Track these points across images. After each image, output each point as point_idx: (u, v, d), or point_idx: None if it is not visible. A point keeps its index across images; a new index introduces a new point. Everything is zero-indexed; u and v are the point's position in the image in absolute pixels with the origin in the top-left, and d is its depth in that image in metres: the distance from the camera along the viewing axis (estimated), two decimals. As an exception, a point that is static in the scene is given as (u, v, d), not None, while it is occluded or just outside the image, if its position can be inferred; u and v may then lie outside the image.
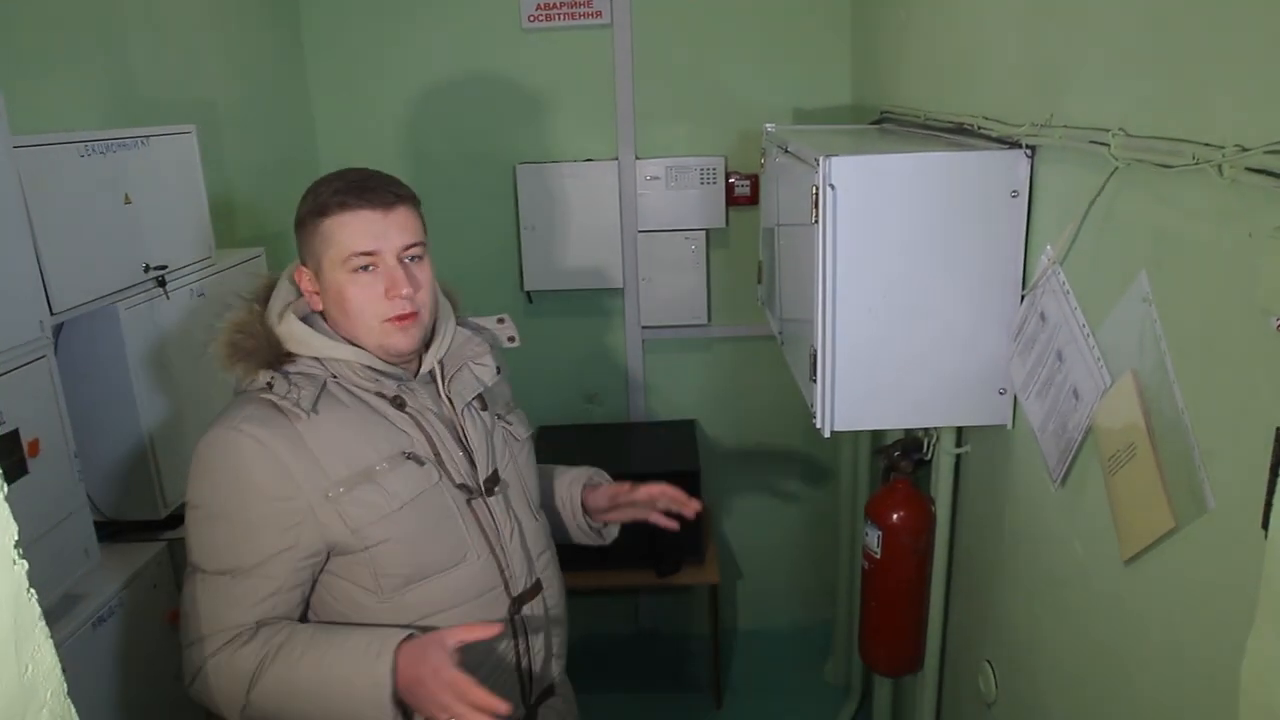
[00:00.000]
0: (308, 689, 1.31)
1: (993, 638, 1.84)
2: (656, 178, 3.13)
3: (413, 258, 1.41)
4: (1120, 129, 1.19)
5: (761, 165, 2.43)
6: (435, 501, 1.42)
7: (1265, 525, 0.83)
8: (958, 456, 1.95)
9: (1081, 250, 1.39)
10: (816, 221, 1.57)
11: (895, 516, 2.04)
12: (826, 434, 1.68)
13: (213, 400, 1.94)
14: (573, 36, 3.07)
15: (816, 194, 1.56)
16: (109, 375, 1.71)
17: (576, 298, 3.28)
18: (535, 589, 1.52)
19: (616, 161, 3.13)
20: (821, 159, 1.54)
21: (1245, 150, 0.92)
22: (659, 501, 1.66)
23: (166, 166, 1.89)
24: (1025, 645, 1.68)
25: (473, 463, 1.47)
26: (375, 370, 1.42)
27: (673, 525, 1.67)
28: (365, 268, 1.37)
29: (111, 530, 1.80)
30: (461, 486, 1.45)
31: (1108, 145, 1.21)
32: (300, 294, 1.45)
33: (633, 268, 3.21)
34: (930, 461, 2.04)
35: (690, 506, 1.66)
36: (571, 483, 1.74)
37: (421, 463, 1.41)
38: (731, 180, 3.13)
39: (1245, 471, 0.97)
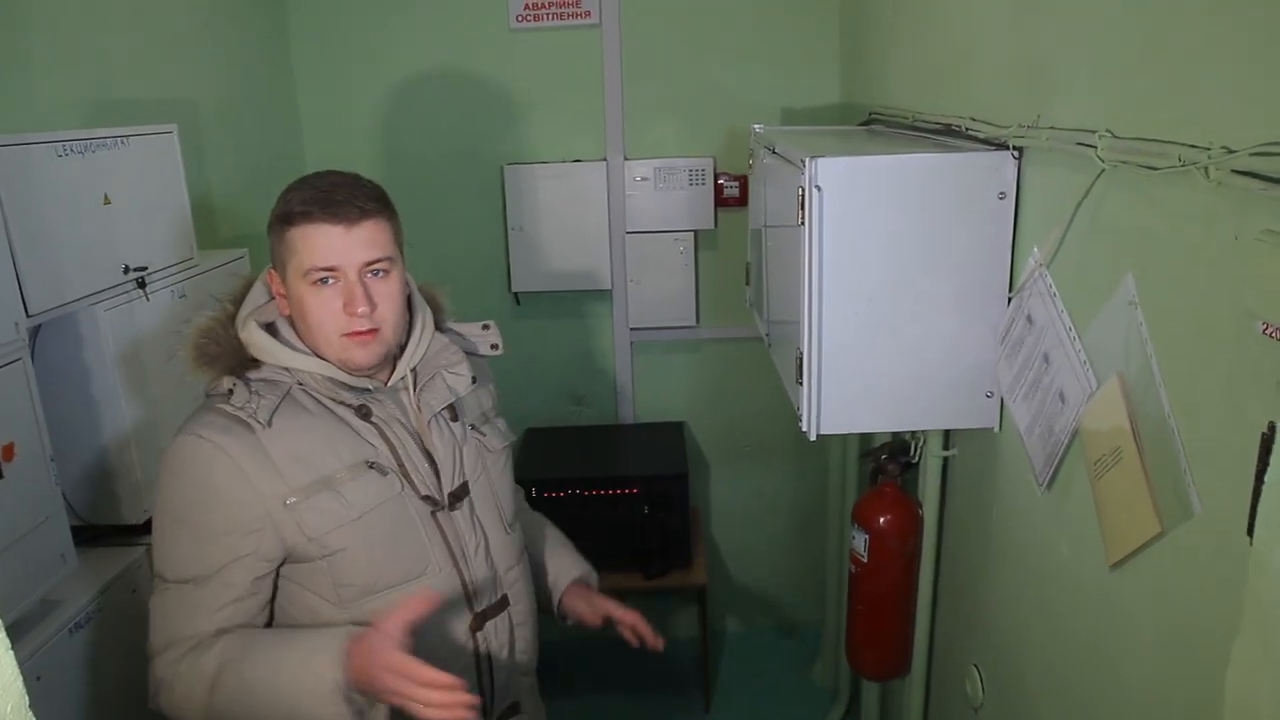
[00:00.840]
0: (263, 693, 1.29)
1: (980, 642, 1.83)
2: (645, 179, 3.12)
3: (377, 272, 1.37)
4: (1107, 130, 1.18)
5: (750, 166, 2.42)
6: (397, 512, 1.40)
7: (1251, 532, 0.82)
8: (945, 459, 1.94)
9: (1068, 253, 1.38)
10: (803, 223, 1.56)
11: (882, 520, 2.03)
12: (813, 437, 1.67)
13: (194, 403, 1.92)
14: (561, 36, 3.06)
15: (803, 195, 1.54)
16: (87, 378, 1.69)
17: (564, 299, 3.26)
18: (500, 604, 1.50)
19: (605, 162, 3.12)
20: (808, 160, 1.53)
21: (1231, 152, 0.91)
22: (625, 626, 1.68)
23: (147, 166, 1.86)
24: (1012, 649, 1.67)
25: (438, 474, 1.45)
26: (335, 382, 1.40)
27: (634, 641, 1.69)
28: (325, 280, 1.34)
29: (91, 535, 1.78)
30: (426, 498, 1.43)
31: (1094, 147, 1.20)
32: (273, 297, 1.43)
33: (621, 269, 3.20)
34: (917, 464, 2.03)
35: (656, 644, 1.68)
36: (564, 571, 1.73)
37: (384, 473, 1.39)
38: (720, 181, 3.12)
39: (1232, 476, 0.96)
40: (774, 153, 1.92)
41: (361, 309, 1.34)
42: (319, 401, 1.39)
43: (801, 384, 1.65)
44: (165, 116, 2.02)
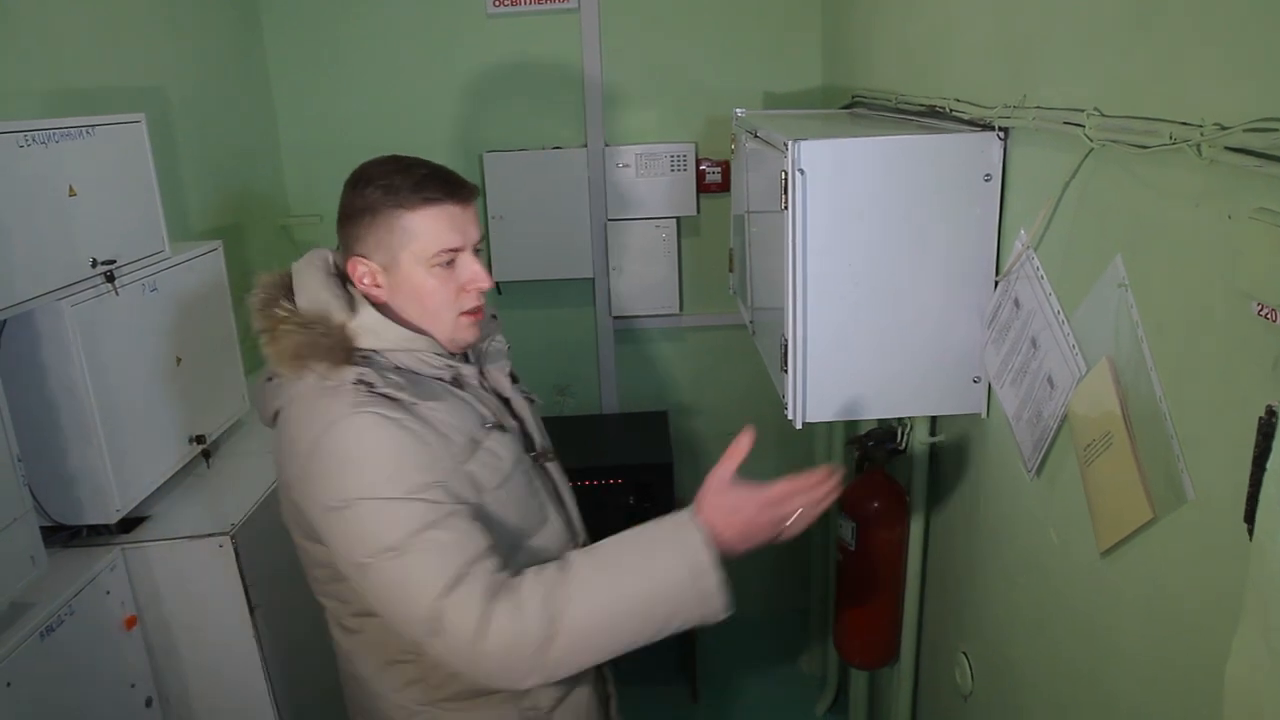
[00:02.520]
0: (629, 607, 1.26)
1: (969, 629, 1.82)
2: (626, 165, 3.08)
3: (479, 250, 1.42)
4: (1095, 109, 1.16)
5: (732, 151, 2.39)
6: (525, 465, 1.46)
7: (1248, 519, 0.79)
8: (932, 446, 1.92)
9: (1056, 234, 1.36)
10: (786, 208, 1.53)
11: (869, 507, 2.01)
12: (798, 425, 1.65)
13: (168, 398, 1.88)
14: (539, 21, 3.02)
15: (786, 179, 1.52)
16: (55, 375, 1.64)
17: (546, 288, 3.23)
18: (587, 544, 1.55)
19: (585, 149, 3.08)
20: (791, 143, 1.50)
21: (1224, 129, 0.89)
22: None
23: (114, 157, 1.81)
24: (1001, 637, 1.65)
25: (524, 432, 1.52)
26: (440, 355, 1.42)
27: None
28: (449, 262, 1.37)
29: (65, 535, 1.74)
30: (530, 453, 1.49)
31: (1082, 126, 1.17)
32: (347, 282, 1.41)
33: (603, 257, 3.16)
34: (904, 451, 2.01)
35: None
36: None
37: (505, 430, 1.44)
38: (703, 167, 3.09)
39: (1225, 461, 0.95)
40: (756, 137, 1.89)
41: (487, 285, 1.40)
42: (421, 376, 1.39)
43: (786, 371, 1.62)
44: (133, 105, 1.97)
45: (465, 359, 1.49)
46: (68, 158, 1.66)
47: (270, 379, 1.46)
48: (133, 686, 1.74)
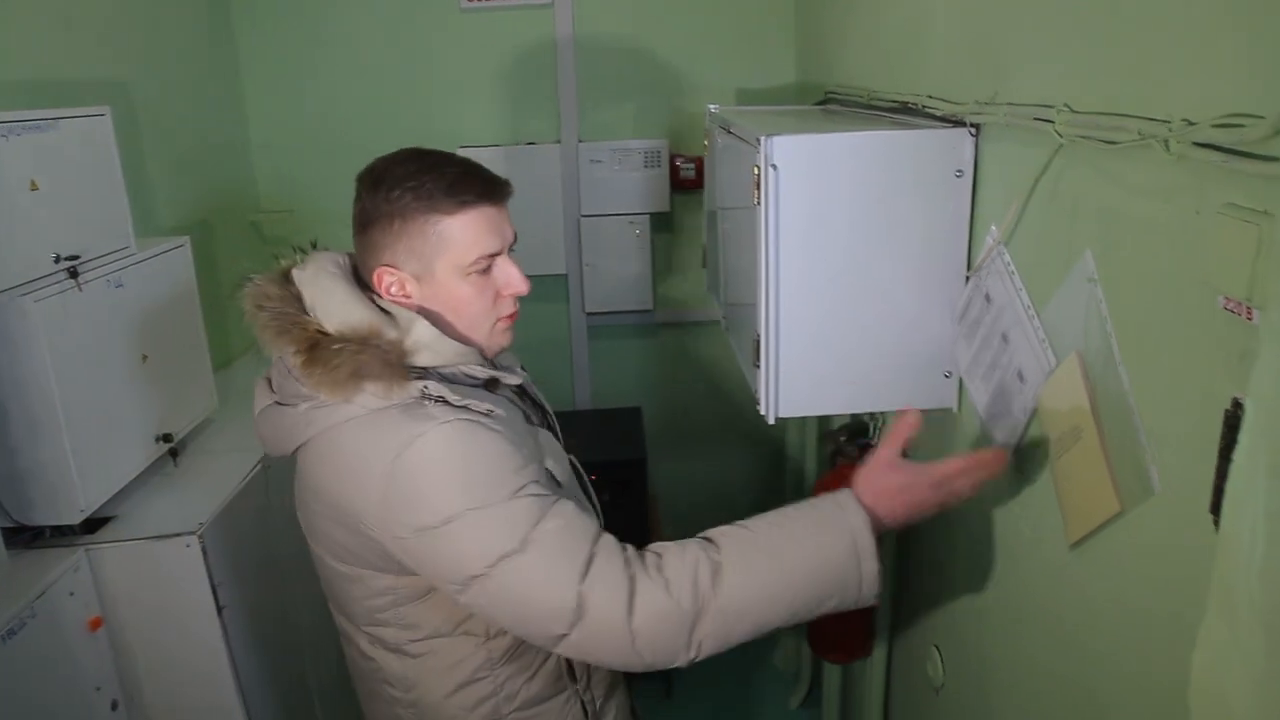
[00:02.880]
0: (785, 588, 1.21)
1: (941, 623, 1.83)
2: (599, 161, 3.07)
3: (513, 250, 1.36)
4: (1065, 105, 1.16)
5: (706, 147, 2.39)
6: (568, 461, 1.47)
7: (1214, 511, 0.80)
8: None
9: (1027, 230, 1.36)
10: (759, 203, 1.53)
11: (843, 502, 2.01)
12: (771, 420, 1.65)
13: (134, 396, 1.85)
14: (513, 17, 3.01)
15: (758, 175, 1.52)
16: (17, 372, 1.62)
17: (520, 284, 3.21)
18: None
19: (559, 144, 3.07)
20: (763, 139, 1.50)
21: (1192, 124, 0.89)
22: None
23: (78, 151, 1.78)
24: (973, 630, 1.66)
25: (551, 428, 1.52)
26: (480, 364, 1.36)
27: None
28: (488, 268, 1.31)
29: (30, 536, 1.71)
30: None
31: (1052, 122, 1.18)
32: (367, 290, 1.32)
33: (576, 253, 3.15)
34: (876, 445, 2.02)
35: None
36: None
37: (545, 428, 1.45)
38: (676, 163, 3.08)
39: (1192, 454, 0.95)
40: (729, 132, 1.89)
41: (525, 289, 1.34)
42: (467, 385, 1.32)
43: (759, 367, 1.62)
44: (98, 99, 1.94)
45: (493, 363, 1.44)
46: (30, 151, 1.64)
47: (285, 404, 1.32)
48: (98, 689, 1.72)
